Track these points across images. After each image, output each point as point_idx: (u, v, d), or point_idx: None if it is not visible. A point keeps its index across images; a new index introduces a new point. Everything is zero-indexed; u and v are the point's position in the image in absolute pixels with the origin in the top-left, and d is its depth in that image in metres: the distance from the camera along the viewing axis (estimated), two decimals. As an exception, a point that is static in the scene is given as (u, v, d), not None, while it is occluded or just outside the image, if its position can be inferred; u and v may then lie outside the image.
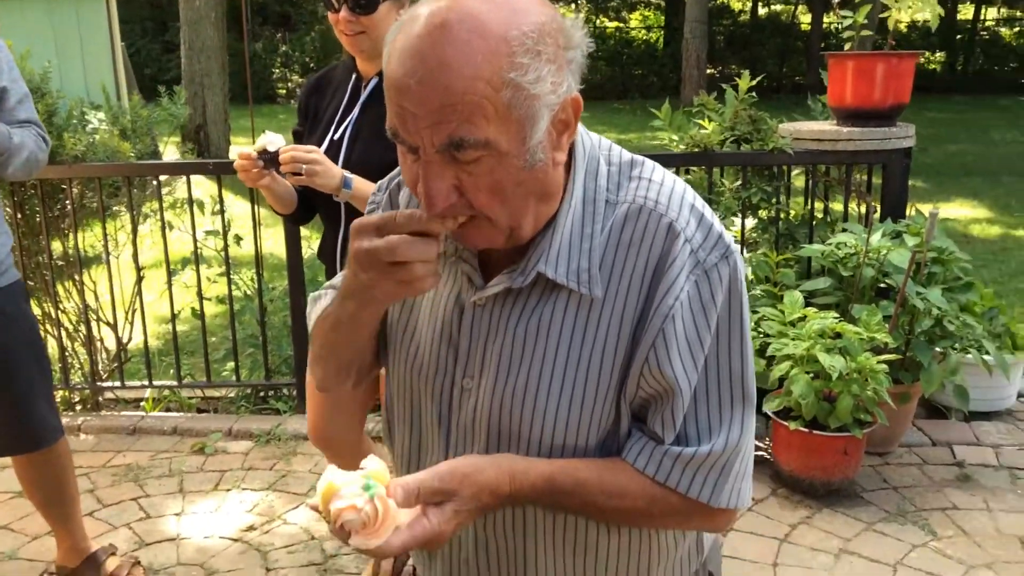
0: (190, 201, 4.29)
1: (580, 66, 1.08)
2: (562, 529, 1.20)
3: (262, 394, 4.39)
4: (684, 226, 1.12)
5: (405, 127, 1.02)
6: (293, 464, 3.75)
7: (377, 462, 1.04)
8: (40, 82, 4.13)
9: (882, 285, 3.73)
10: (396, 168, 1.19)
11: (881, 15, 3.98)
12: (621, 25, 25.25)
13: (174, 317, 4.37)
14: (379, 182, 1.38)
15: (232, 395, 4.44)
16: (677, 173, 4.10)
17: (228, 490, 3.58)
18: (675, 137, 4.22)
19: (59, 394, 4.26)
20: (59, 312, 4.34)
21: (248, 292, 4.55)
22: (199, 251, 4.38)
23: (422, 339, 1.23)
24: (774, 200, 4.13)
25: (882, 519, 3.31)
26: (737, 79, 4.18)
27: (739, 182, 4.11)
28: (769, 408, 3.47)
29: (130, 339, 4.54)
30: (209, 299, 4.45)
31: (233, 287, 4.39)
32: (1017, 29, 24.89)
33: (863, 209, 4.16)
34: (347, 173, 2.30)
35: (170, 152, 5.63)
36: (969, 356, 3.64)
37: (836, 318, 3.42)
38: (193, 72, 11.89)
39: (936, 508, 3.37)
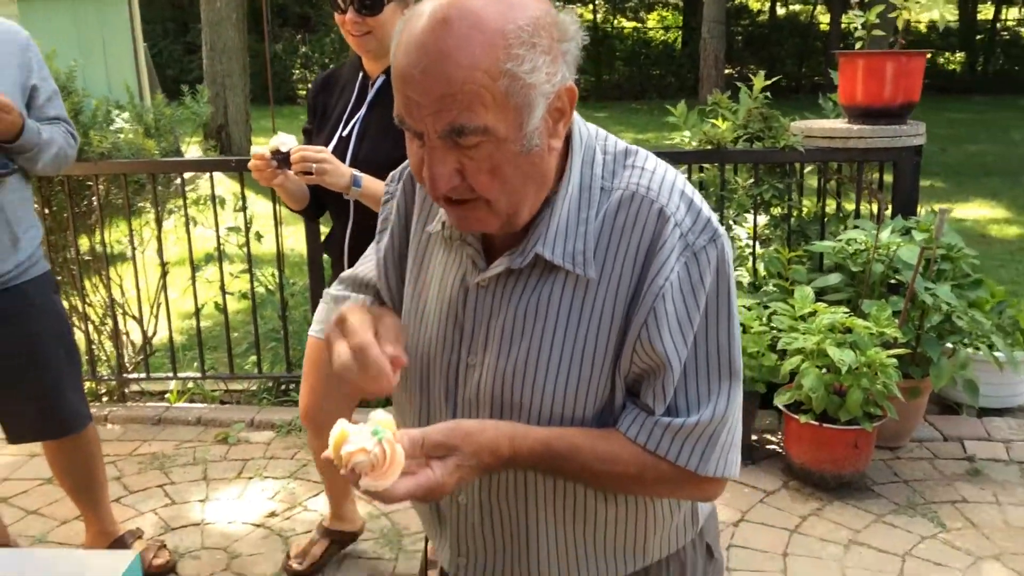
0: (213, 198, 4.39)
1: (575, 57, 1.15)
2: (562, 498, 1.27)
3: (283, 386, 4.48)
4: (674, 211, 1.19)
5: (410, 114, 1.10)
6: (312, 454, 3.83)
7: (385, 414, 1.12)
8: (66, 81, 4.24)
9: (892, 281, 3.78)
10: (406, 161, 1.27)
11: (890, 14, 4.02)
12: (639, 25, 25.26)
13: (198, 311, 4.47)
14: (391, 173, 1.46)
15: (254, 387, 4.54)
16: (690, 170, 4.20)
17: (250, 478, 3.68)
18: (687, 135, 4.28)
19: (86, 385, 4.36)
20: (86, 306, 4.45)
21: (270, 287, 4.64)
22: (222, 247, 4.48)
23: (431, 319, 1.31)
24: (786, 197, 4.19)
25: (892, 511, 3.36)
26: (755, 79, 4.24)
27: (752, 180, 4.16)
28: (780, 402, 3.53)
29: (155, 333, 4.64)
30: (232, 294, 4.55)
31: (255, 282, 4.48)
32: (1038, 29, 24.76)
33: (875, 207, 4.21)
34: (356, 172, 2.36)
35: (192, 152, 5.74)
36: (980, 352, 3.69)
37: (846, 313, 3.47)
38: (215, 73, 12.03)
39: (946, 501, 3.42)
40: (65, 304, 4.30)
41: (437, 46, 1.06)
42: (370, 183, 2.37)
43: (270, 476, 3.66)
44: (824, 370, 3.38)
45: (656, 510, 1.32)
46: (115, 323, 4.49)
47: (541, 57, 1.09)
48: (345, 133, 2.53)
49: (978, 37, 23.07)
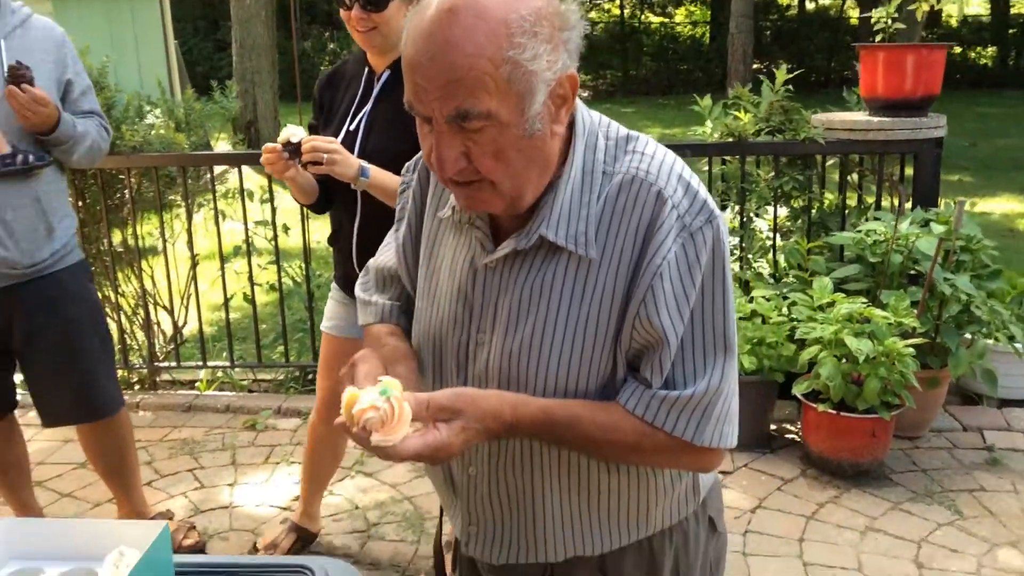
0: (241, 192, 4.48)
1: (577, 46, 1.21)
2: (567, 469, 1.33)
3: (309, 375, 4.56)
4: (672, 193, 1.24)
5: (419, 100, 1.17)
6: (338, 441, 3.91)
7: (391, 378, 1.19)
8: (98, 76, 4.34)
9: (911, 272, 3.80)
10: (419, 152, 1.33)
11: (910, 6, 4.04)
12: (666, 20, 25.18)
13: (227, 302, 4.57)
14: (407, 163, 1.52)
15: (281, 376, 4.63)
16: (711, 162, 4.23)
17: (277, 463, 3.77)
18: (709, 127, 4.31)
19: (119, 374, 4.46)
20: (118, 296, 4.56)
21: (296, 279, 4.73)
22: (250, 240, 4.57)
23: (443, 300, 1.38)
24: (806, 189, 4.21)
25: (909, 499, 3.39)
26: (777, 72, 4.27)
27: (773, 173, 4.19)
28: (798, 391, 3.56)
29: (185, 323, 4.75)
30: (260, 285, 4.64)
31: (282, 274, 4.57)
32: (1073, 22, 24.41)
33: (896, 199, 4.22)
34: (364, 163, 2.40)
35: (221, 147, 5.85)
36: (999, 344, 3.70)
37: (864, 303, 3.50)
38: (244, 70, 12.18)
39: (963, 489, 3.44)
40: (98, 294, 4.42)
41: (444, 35, 1.12)
42: (378, 174, 2.41)
43: (296, 461, 3.75)
44: (842, 359, 3.41)
45: (658, 481, 1.37)
46: (147, 313, 4.60)
47: (542, 45, 1.14)
48: (352, 127, 2.57)
49: (1010, 31, 22.77)
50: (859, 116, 4.12)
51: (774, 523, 3.26)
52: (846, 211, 4.24)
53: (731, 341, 1.27)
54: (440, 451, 1.20)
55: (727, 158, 4.37)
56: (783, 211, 4.31)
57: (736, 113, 4.33)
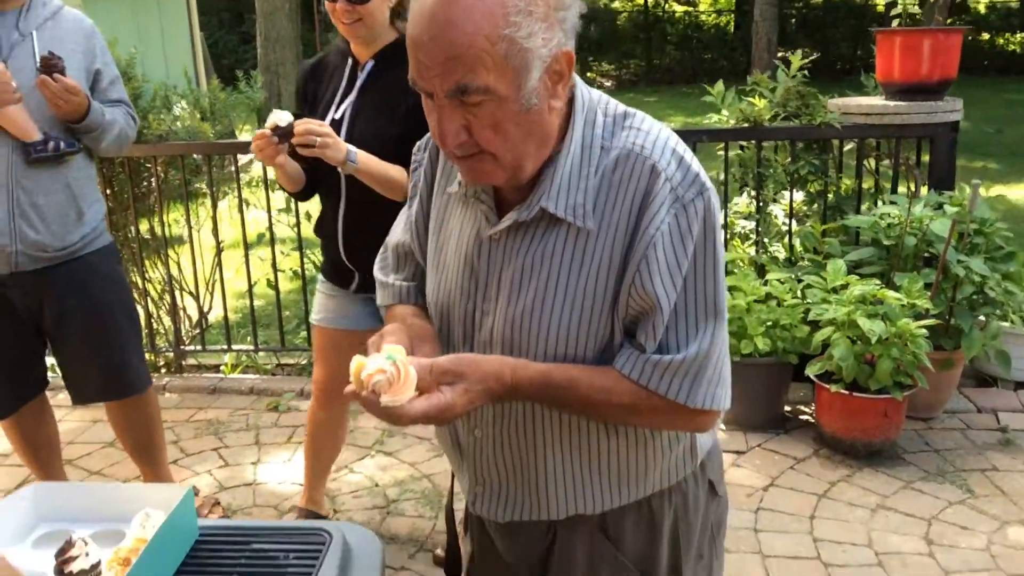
0: (265, 180, 4.57)
1: (574, 25, 1.27)
2: (567, 431, 1.40)
3: (332, 360, 4.64)
4: (665, 167, 1.30)
5: (421, 76, 1.24)
6: (360, 421, 4.00)
7: (396, 345, 1.26)
8: (126, 67, 4.44)
9: (926, 255, 3.82)
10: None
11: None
12: (690, 9, 25.06)
13: (251, 287, 4.66)
14: (418, 143, 1.59)
15: (304, 361, 4.72)
16: (727, 148, 4.27)
17: (300, 443, 3.85)
18: (725, 114, 4.34)
19: (146, 357, 4.59)
20: (145, 283, 4.67)
21: (319, 266, 4.81)
22: (273, 228, 4.66)
23: (450, 271, 1.45)
24: (823, 174, 4.24)
25: (921, 478, 3.42)
26: (792, 57, 4.30)
27: (789, 158, 4.22)
28: (811, 371, 3.61)
29: (210, 308, 4.85)
30: (283, 271, 4.73)
31: (305, 261, 4.66)
32: (1104, 7, 24.06)
33: (912, 184, 4.24)
34: (352, 147, 2.44)
35: (245, 137, 5.95)
36: (1014, 326, 3.73)
37: (878, 285, 3.53)
38: (268, 62, 12.31)
39: (976, 469, 3.47)
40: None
41: (444, 15, 1.19)
42: (365, 158, 2.45)
43: (318, 442, 3.83)
44: (855, 341, 3.44)
45: (655, 443, 1.43)
46: (173, 299, 4.70)
47: (537, 24, 1.21)
48: (337, 116, 2.61)
49: (1040, 17, 22.49)
50: (875, 100, 4.15)
51: (786, 501, 3.30)
52: (861, 196, 4.26)
53: (721, 307, 1.33)
54: (445, 411, 1.27)
55: (744, 144, 4.40)
56: (799, 196, 4.33)
57: (751, 99, 4.36)
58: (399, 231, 1.64)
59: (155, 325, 4.74)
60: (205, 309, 4.84)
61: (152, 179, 4.53)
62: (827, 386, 3.54)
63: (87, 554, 1.57)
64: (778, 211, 4.39)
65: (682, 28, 23.43)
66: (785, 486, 3.40)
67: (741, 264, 4.23)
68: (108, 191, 4.46)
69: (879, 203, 4.09)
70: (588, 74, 20.83)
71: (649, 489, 1.46)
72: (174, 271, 4.72)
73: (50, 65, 2.62)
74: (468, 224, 1.43)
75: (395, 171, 2.47)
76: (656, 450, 1.44)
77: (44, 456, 3.15)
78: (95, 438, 3.94)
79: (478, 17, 1.17)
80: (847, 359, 3.40)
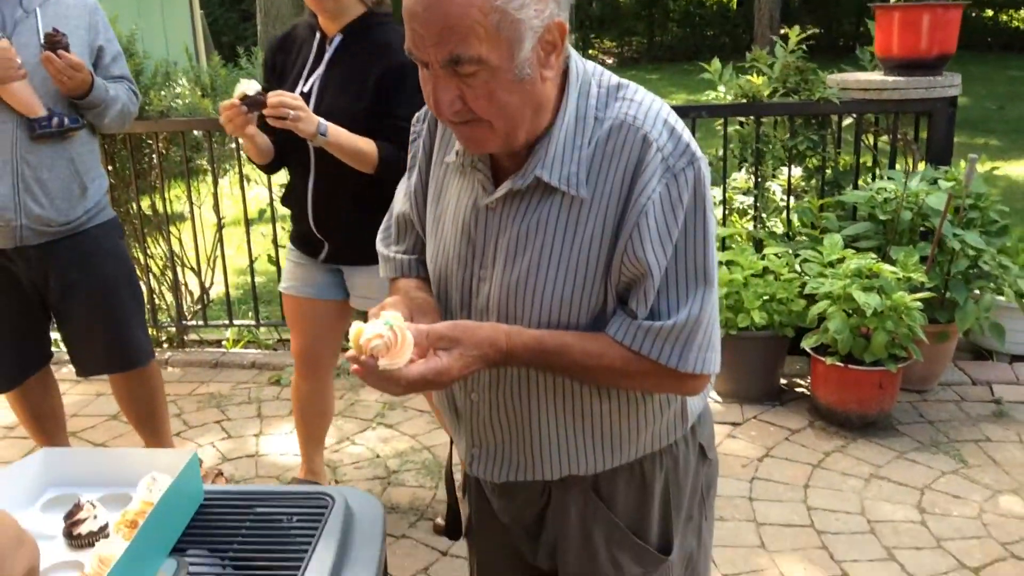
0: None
1: None
2: (560, 394, 1.44)
3: (333, 334, 4.68)
4: (657, 137, 1.33)
5: (417, 46, 1.27)
6: (361, 395, 4.05)
7: (393, 311, 1.30)
8: (127, 43, 4.46)
9: (922, 229, 3.85)
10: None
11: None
12: (693, -14, 24.92)
13: (252, 262, 4.69)
14: (416, 114, 1.62)
15: (306, 336, 4.75)
16: (726, 123, 4.28)
17: (302, 416, 3.90)
18: (722, 90, 4.36)
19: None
20: (147, 259, 4.70)
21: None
22: (274, 204, 4.69)
23: (448, 239, 1.49)
24: (821, 149, 4.26)
25: (915, 448, 3.47)
26: (790, 32, 4.31)
27: (788, 134, 4.24)
28: (807, 344, 3.65)
29: (211, 284, 4.89)
30: (284, 247, 4.75)
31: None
32: (1108, -17, 23.91)
33: (911, 160, 4.27)
34: (322, 120, 2.46)
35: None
36: (1008, 299, 3.76)
37: (873, 259, 3.56)
38: (268, 38, 12.26)
39: (969, 440, 3.52)
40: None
41: None
42: (335, 131, 2.47)
43: (320, 414, 3.88)
44: (851, 314, 3.48)
45: (646, 407, 1.47)
46: (175, 275, 4.74)
47: None
48: (306, 89, 2.62)
49: (1045, -8, 22.37)
50: (874, 76, 4.16)
51: (781, 470, 3.35)
52: (860, 171, 4.28)
53: (711, 274, 1.37)
54: (442, 375, 1.31)
55: (743, 120, 4.42)
56: (797, 171, 4.36)
57: (749, 77, 4.38)
58: (400, 201, 1.67)
59: (157, 301, 4.78)
60: (207, 285, 4.88)
61: (153, 155, 4.55)
62: (823, 359, 3.58)
63: (95, 516, 1.62)
64: (776, 187, 4.42)
65: (684, 5, 23.29)
66: (780, 456, 3.45)
67: (739, 239, 4.26)
68: (110, 167, 4.49)
69: (876, 178, 4.11)
70: (590, 51, 20.75)
71: (641, 451, 1.50)
72: (176, 247, 4.75)
73: (54, 41, 2.65)
74: (465, 193, 1.46)
75: (364, 143, 2.49)
76: (647, 413, 1.48)
77: (49, 428, 3.20)
78: (99, 411, 4.00)
79: None
80: (843, 332, 3.44)
